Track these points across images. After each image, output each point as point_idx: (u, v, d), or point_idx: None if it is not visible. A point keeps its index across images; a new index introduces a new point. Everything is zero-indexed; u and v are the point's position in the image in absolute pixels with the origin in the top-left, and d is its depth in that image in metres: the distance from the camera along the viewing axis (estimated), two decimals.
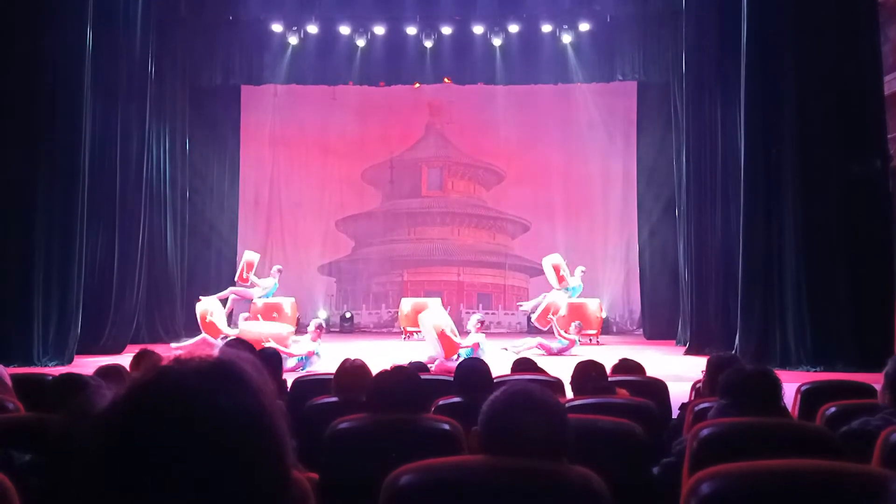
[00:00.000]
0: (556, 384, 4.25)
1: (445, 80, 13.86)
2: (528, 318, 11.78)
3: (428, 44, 13.14)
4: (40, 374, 4.49)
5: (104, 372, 3.37)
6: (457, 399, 3.38)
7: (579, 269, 12.29)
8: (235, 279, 11.85)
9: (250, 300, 11.64)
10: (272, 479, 0.73)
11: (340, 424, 2.70)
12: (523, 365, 4.93)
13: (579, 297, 12.40)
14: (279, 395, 4.00)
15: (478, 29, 13.14)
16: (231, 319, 11.42)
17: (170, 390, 0.71)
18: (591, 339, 12.29)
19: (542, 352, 10.35)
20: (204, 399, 0.71)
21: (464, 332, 10.12)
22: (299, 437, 3.24)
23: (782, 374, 2.83)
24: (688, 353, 10.48)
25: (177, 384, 0.72)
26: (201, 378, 0.72)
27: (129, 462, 0.67)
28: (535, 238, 15.35)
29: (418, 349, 10.89)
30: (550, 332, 11.25)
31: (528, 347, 10.38)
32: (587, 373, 3.77)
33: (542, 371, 4.81)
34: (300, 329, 12.16)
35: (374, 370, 3.18)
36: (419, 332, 12.99)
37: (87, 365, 8.76)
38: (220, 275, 14.19)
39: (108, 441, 0.68)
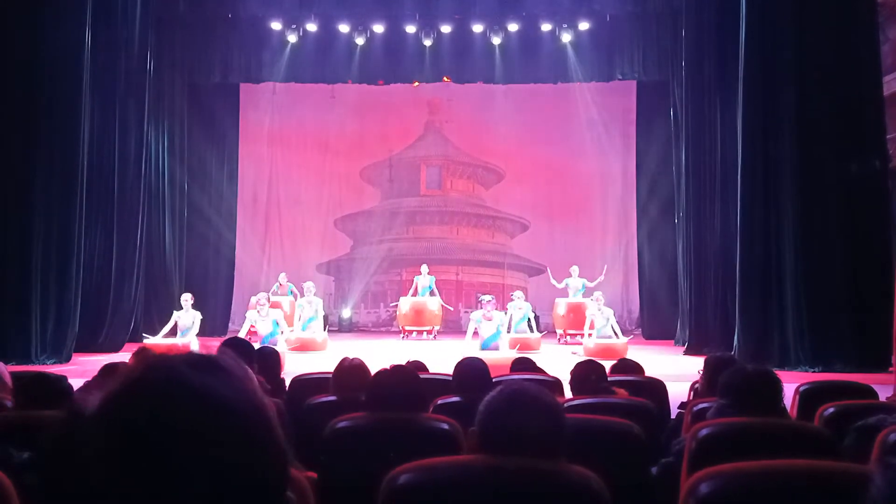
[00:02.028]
0: (555, 384, 4.25)
1: (445, 78, 13.85)
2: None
3: (427, 42, 13.13)
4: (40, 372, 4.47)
5: (108, 370, 3.36)
6: (456, 398, 3.38)
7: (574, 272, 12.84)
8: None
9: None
10: (274, 471, 0.72)
11: (339, 423, 2.70)
12: (522, 364, 4.92)
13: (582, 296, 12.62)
14: (277, 393, 4.01)
15: (477, 28, 13.13)
16: None
17: (163, 383, 0.70)
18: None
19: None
20: (199, 390, 0.70)
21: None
22: (298, 435, 3.24)
23: (781, 375, 2.83)
24: (686, 352, 10.49)
25: (169, 377, 0.71)
26: (193, 370, 0.72)
27: (127, 459, 0.66)
28: (534, 237, 15.36)
29: (417, 348, 10.90)
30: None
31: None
32: (586, 373, 3.77)
33: (541, 371, 4.81)
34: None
35: (373, 369, 3.18)
36: (418, 331, 13.05)
37: (85, 363, 8.77)
38: (219, 273, 14.19)
39: (104, 438, 0.67)
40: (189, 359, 0.73)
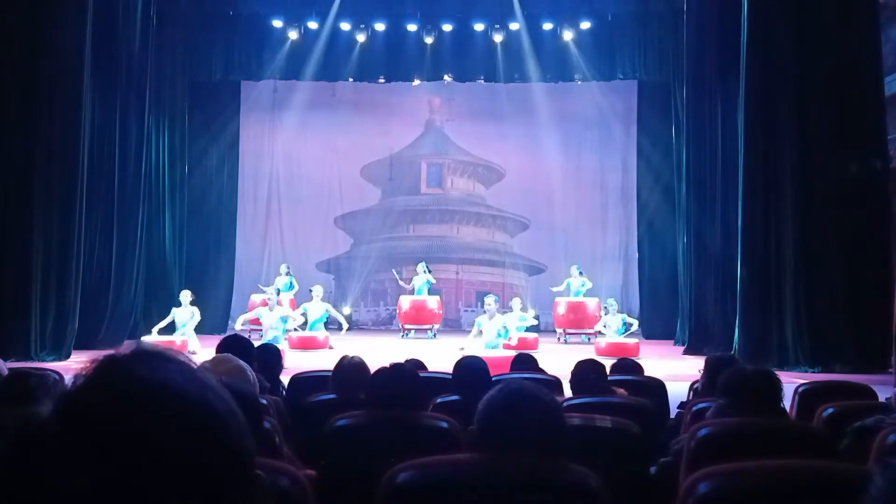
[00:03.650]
0: (555, 383, 4.26)
1: (446, 77, 13.84)
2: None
3: (428, 40, 13.13)
4: (41, 369, 4.48)
5: None
6: (455, 397, 3.39)
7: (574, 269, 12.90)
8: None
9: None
10: (236, 455, 0.71)
11: (339, 421, 2.71)
12: (522, 363, 4.92)
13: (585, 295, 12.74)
14: (277, 391, 4.01)
15: (479, 26, 13.13)
16: None
17: (111, 375, 0.70)
18: (589, 339, 12.31)
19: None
20: (148, 380, 0.69)
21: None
22: (297, 433, 3.25)
23: (780, 375, 2.83)
24: (686, 352, 10.49)
25: (117, 369, 0.70)
26: (141, 361, 0.71)
27: (78, 455, 0.65)
28: (535, 236, 15.35)
29: (416, 347, 10.90)
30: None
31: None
32: (586, 372, 3.77)
33: (540, 370, 4.81)
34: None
35: (373, 367, 3.18)
36: (417, 329, 13.05)
37: (84, 360, 8.75)
38: (218, 270, 14.18)
39: (55, 436, 0.66)
40: (137, 351, 0.73)
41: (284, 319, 10.01)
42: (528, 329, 11.19)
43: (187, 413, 0.69)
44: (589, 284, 12.80)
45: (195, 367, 0.75)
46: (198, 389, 0.71)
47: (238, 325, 9.46)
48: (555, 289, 13.07)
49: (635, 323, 11.32)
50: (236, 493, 0.70)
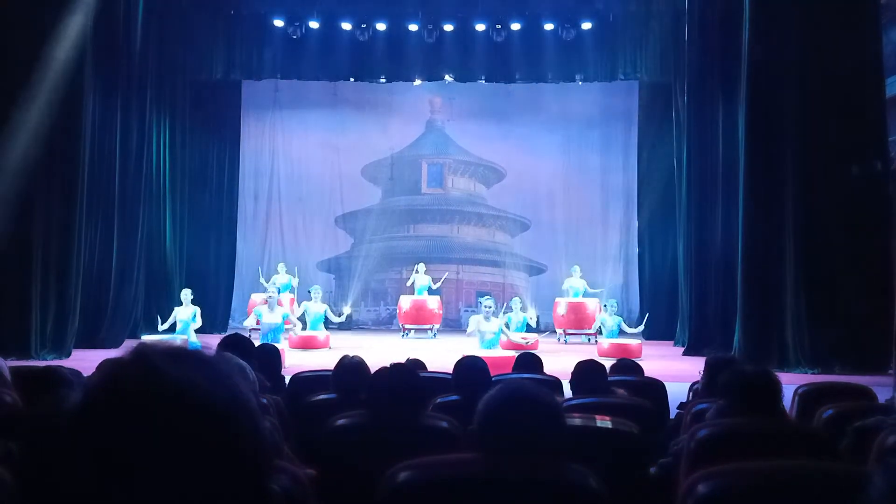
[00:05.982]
0: (554, 383, 4.26)
1: (447, 76, 13.85)
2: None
3: (430, 40, 13.14)
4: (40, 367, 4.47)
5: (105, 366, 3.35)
6: (455, 397, 3.39)
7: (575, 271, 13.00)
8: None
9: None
10: (255, 463, 0.71)
11: (339, 421, 2.71)
12: (524, 363, 4.92)
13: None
14: (277, 390, 4.01)
15: (480, 26, 13.13)
16: None
17: (140, 377, 0.69)
18: (589, 339, 12.30)
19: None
20: (176, 383, 0.69)
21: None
22: (298, 433, 3.25)
23: (780, 376, 2.83)
24: (686, 353, 10.49)
25: (146, 370, 0.70)
26: (171, 363, 0.70)
27: (101, 454, 0.65)
28: (535, 237, 15.36)
29: (417, 346, 10.90)
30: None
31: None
32: (587, 372, 3.78)
33: (541, 370, 4.81)
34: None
35: (373, 367, 3.18)
36: (417, 329, 13.05)
37: (85, 359, 8.76)
38: (219, 269, 14.19)
39: (80, 433, 0.66)
40: (169, 351, 0.72)
41: (285, 316, 10.00)
42: (527, 329, 11.17)
43: (207, 417, 0.68)
44: (590, 290, 12.80)
45: (226, 370, 0.74)
46: (222, 395, 0.70)
47: (248, 324, 9.55)
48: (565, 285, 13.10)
49: (632, 330, 11.17)
50: (245, 496, 0.70)
